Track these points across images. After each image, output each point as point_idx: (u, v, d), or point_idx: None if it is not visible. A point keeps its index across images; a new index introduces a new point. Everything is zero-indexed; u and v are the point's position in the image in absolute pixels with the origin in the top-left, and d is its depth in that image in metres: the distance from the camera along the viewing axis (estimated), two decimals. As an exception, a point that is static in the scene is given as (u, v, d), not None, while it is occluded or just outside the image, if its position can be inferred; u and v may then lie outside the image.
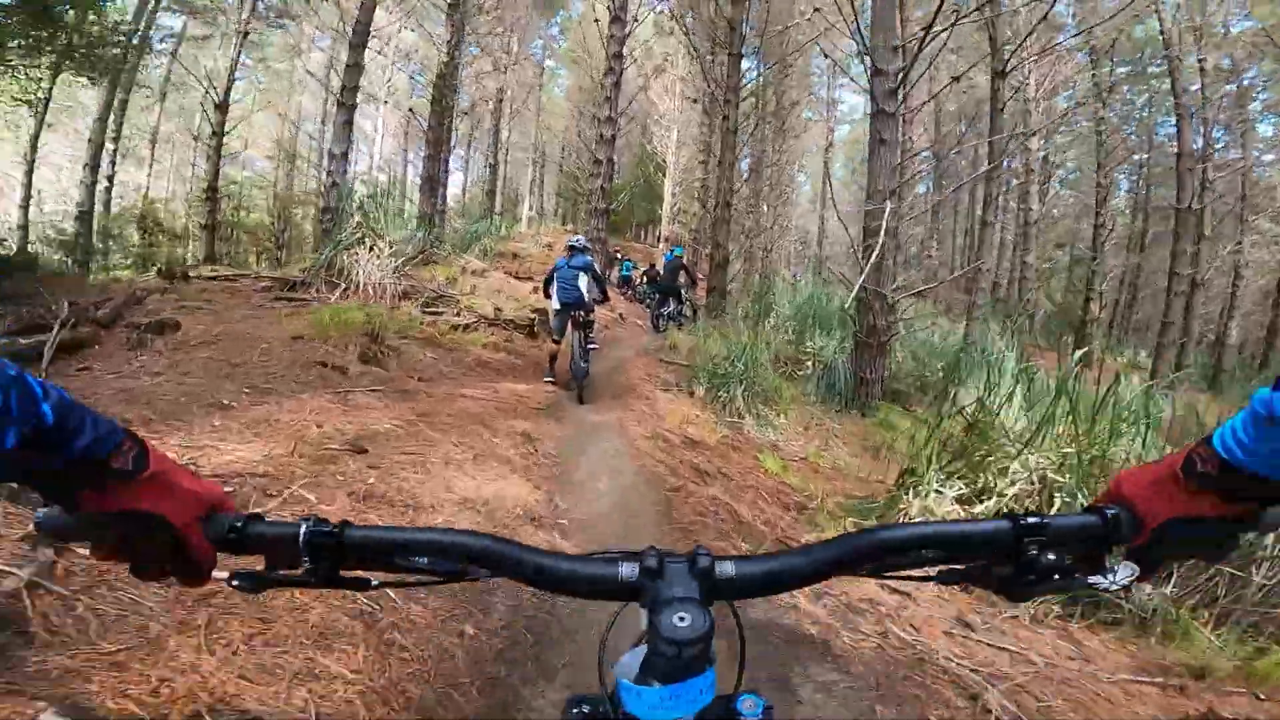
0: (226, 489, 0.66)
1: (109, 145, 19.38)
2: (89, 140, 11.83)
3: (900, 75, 7.05)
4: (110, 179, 18.94)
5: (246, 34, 14.50)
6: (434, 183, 14.53)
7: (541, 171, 35.85)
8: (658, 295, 11.16)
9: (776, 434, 6.20)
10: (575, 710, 0.50)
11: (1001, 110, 11.05)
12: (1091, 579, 0.53)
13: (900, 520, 3.32)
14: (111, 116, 19.19)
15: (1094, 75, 17.41)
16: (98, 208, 18.73)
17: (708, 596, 0.49)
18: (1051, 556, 0.51)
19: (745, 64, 14.54)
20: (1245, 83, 17.13)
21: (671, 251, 12.42)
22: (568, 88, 34.04)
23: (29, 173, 14.29)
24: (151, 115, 21.93)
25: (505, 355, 6.31)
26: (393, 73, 20.27)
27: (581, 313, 5.95)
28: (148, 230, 16.76)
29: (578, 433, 4.46)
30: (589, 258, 6.15)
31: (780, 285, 13.40)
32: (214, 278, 8.01)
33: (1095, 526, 0.54)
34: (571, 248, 6.17)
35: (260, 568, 0.54)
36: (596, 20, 11.41)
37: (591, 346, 6.06)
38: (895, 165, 7.17)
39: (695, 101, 17.76)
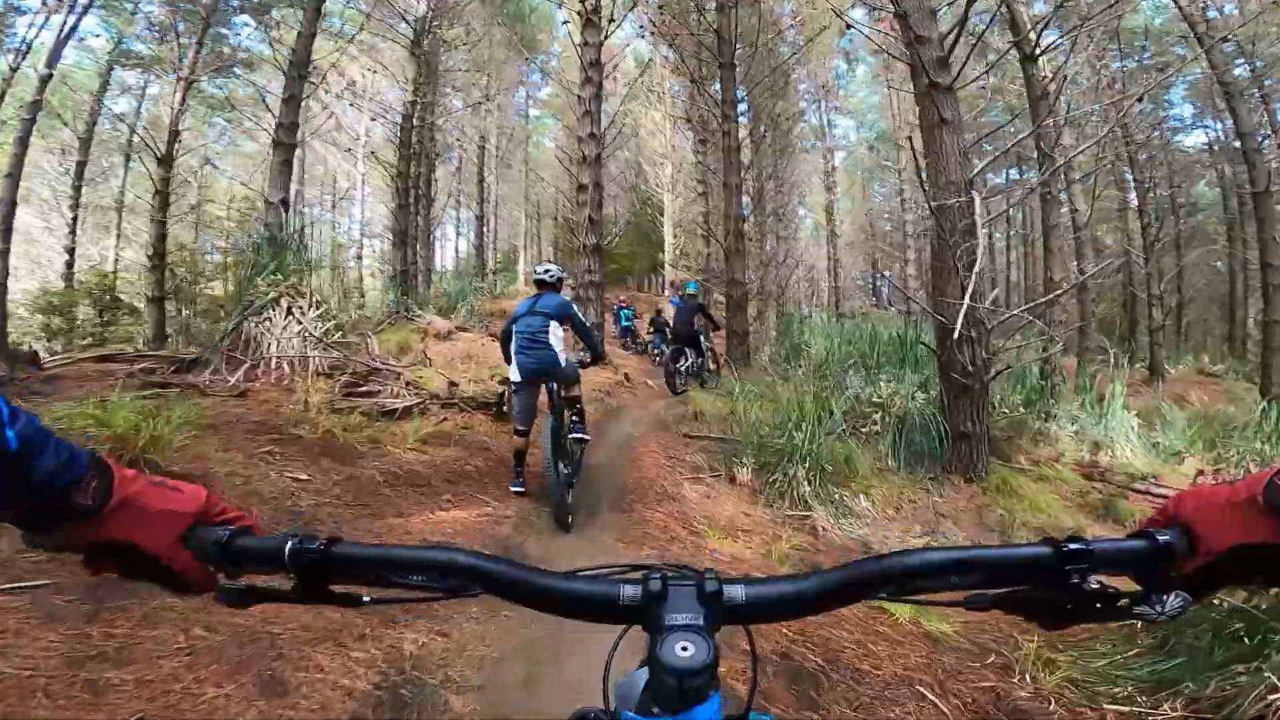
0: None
1: (67, 214, 18.24)
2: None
3: (952, 40, 5.48)
4: (71, 251, 17.88)
5: (191, 83, 13.14)
6: (405, 236, 12.95)
7: (537, 225, 34.57)
8: (672, 347, 8.74)
9: (862, 525, 4.33)
10: None
11: (1042, 98, 9.45)
12: (1137, 609, 0.49)
13: None
14: (69, 182, 18.08)
15: (1103, 67, 16.05)
16: (57, 282, 17.37)
17: (716, 621, 0.46)
18: (1095, 585, 0.48)
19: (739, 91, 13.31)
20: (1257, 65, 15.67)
21: (679, 294, 10.55)
22: (558, 137, 33.05)
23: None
24: (118, 181, 20.74)
25: (453, 454, 4.20)
26: (366, 123, 18.99)
27: (558, 384, 3.97)
28: (104, 306, 15.17)
29: (542, 624, 2.22)
30: (564, 297, 4.14)
31: (808, 323, 11.72)
32: (101, 359, 6.32)
33: (1146, 551, 0.50)
34: (539, 282, 4.15)
35: (248, 581, 0.53)
36: (565, 23, 9.98)
37: (578, 435, 4.04)
38: (965, 149, 5.48)
39: (689, 121, 16.29)
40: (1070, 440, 7.26)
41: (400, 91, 15.48)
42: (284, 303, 5.44)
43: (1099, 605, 0.48)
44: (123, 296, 17.20)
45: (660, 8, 11.95)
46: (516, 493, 3.86)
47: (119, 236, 21.56)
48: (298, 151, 27.34)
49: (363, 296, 18.21)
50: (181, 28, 13.30)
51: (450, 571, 0.50)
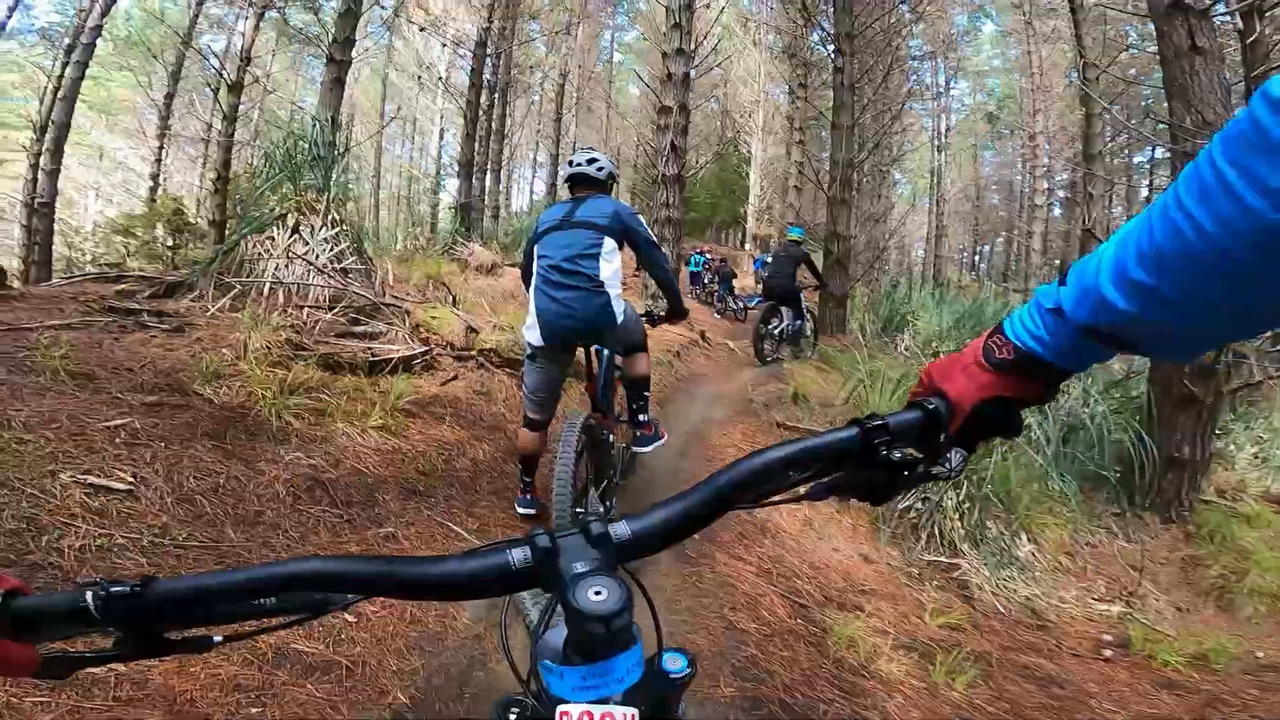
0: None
1: (153, 143, 19.28)
2: (51, 123, 10.04)
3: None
4: (154, 178, 19.03)
5: (265, 9, 12.53)
6: (470, 167, 11.94)
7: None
8: (764, 303, 7.15)
9: (1027, 581, 3.01)
10: (504, 713, 0.47)
11: (1268, 55, 7.29)
12: (934, 470, 0.55)
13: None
14: (156, 113, 18.95)
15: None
16: (139, 208, 18.29)
17: (611, 563, 0.45)
18: (898, 455, 0.51)
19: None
20: None
21: (766, 248, 9.02)
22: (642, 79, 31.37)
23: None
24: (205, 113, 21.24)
25: (445, 437, 2.91)
26: (438, 52, 18.10)
27: (609, 351, 2.52)
28: (175, 228, 15.34)
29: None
30: (621, 205, 2.46)
31: (917, 292, 10.10)
32: (105, 279, 5.60)
33: (922, 419, 0.54)
34: (577, 179, 2.51)
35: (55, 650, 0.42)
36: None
37: (641, 448, 2.58)
38: (1225, 84, 3.90)
39: (792, 58, 14.42)
40: (1250, 465, 5.62)
41: (478, 20, 14.54)
42: (290, 220, 4.44)
43: (906, 473, 0.51)
44: (199, 222, 17.60)
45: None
46: (524, 516, 2.50)
47: (205, 164, 22.12)
48: (378, 87, 26.90)
49: (434, 230, 17.86)
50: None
51: (312, 584, 0.43)
